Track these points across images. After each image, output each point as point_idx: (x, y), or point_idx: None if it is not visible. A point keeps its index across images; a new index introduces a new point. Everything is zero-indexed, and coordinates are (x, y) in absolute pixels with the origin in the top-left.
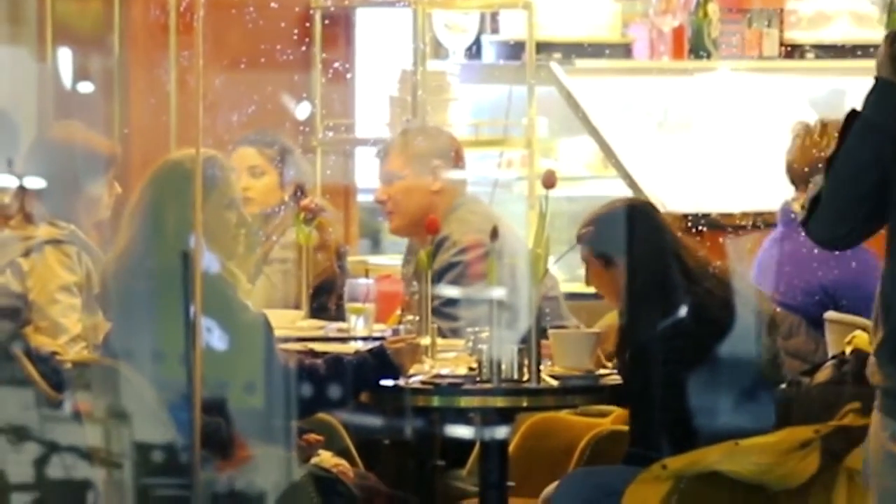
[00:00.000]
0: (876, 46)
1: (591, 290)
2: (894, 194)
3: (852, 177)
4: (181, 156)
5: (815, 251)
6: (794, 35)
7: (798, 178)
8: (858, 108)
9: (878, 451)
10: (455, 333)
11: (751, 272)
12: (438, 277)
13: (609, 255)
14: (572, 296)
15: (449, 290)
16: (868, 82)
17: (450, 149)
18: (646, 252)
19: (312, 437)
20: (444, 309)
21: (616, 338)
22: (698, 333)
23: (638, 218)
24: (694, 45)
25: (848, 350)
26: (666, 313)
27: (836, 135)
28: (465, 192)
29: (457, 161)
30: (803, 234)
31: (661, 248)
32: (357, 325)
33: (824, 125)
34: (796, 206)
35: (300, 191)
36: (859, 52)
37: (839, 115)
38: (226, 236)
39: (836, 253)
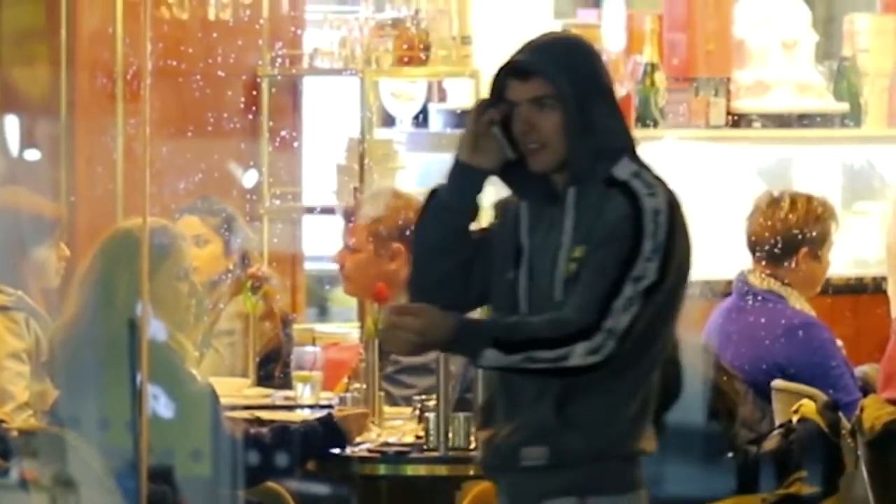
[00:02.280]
0: (822, 116)
1: None
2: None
3: (427, 256)
4: (132, 224)
5: (765, 323)
6: (741, 104)
7: (759, 249)
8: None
9: None
10: (406, 401)
11: (700, 340)
12: None
13: None
14: None
15: (404, 358)
16: (814, 152)
17: (408, 213)
18: None
19: None
20: (395, 376)
21: None
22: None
23: None
24: (641, 114)
25: (795, 419)
26: None
27: (804, 207)
28: None
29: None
30: (757, 304)
31: None
32: (304, 393)
33: (791, 198)
34: (752, 278)
35: (246, 259)
36: (805, 122)
37: (787, 185)
38: (178, 306)
39: (787, 326)
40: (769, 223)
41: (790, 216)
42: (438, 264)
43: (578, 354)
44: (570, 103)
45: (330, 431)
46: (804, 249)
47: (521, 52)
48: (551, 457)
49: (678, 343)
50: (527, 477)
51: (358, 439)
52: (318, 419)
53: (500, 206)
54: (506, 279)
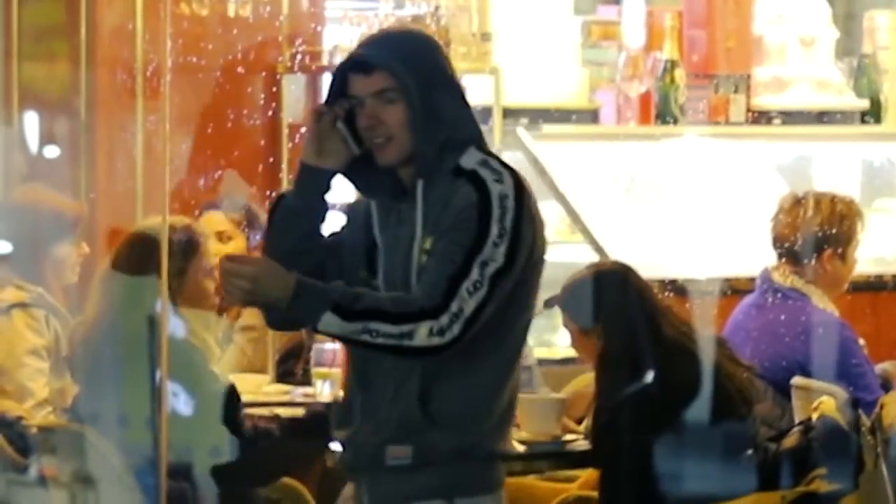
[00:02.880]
0: (842, 112)
1: (558, 356)
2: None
3: (282, 261)
4: (155, 222)
5: (786, 320)
6: (761, 101)
7: (783, 248)
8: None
9: None
10: None
11: (721, 337)
12: None
13: (585, 321)
14: (540, 362)
15: None
16: (834, 148)
17: None
18: (620, 319)
19: None
20: None
21: (591, 403)
22: (667, 399)
23: (614, 284)
24: (661, 111)
25: (815, 416)
26: (636, 379)
27: (828, 208)
28: None
29: None
30: (778, 302)
31: (636, 316)
32: (323, 389)
33: (816, 197)
34: (776, 275)
35: None
36: (825, 119)
37: (807, 182)
38: (205, 304)
39: (808, 325)
40: (793, 223)
41: (814, 216)
42: (292, 269)
43: (423, 335)
44: (413, 95)
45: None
46: (828, 249)
47: (362, 46)
48: (417, 456)
49: (696, 339)
50: (392, 477)
51: None
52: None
53: (350, 208)
54: (359, 279)
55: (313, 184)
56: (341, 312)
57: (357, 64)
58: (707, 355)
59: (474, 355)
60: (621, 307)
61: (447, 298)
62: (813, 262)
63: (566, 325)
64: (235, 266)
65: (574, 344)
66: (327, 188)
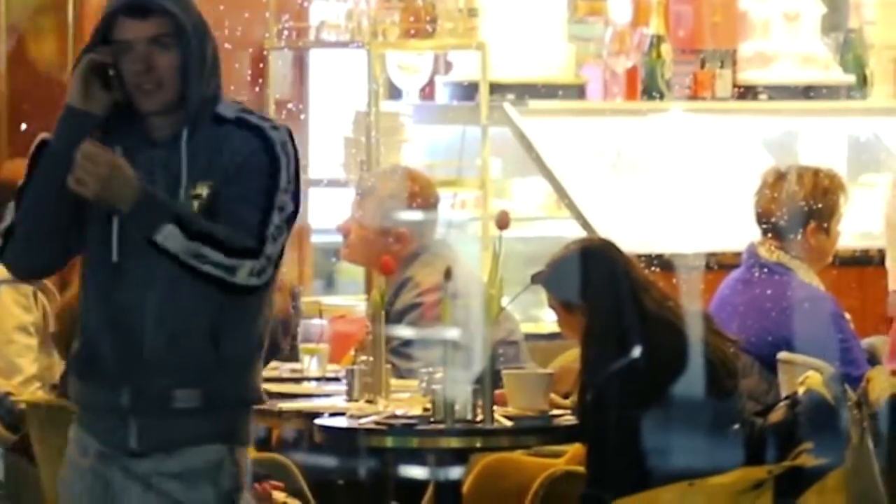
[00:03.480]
0: (828, 87)
1: (545, 330)
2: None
3: (36, 208)
4: None
5: (772, 295)
6: (747, 76)
7: (767, 223)
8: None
9: None
10: (412, 374)
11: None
12: (399, 318)
13: (569, 298)
14: (527, 337)
15: (405, 331)
16: (821, 123)
17: (423, 196)
18: (602, 295)
19: (270, 484)
20: (402, 349)
21: (577, 379)
22: (655, 375)
23: (595, 260)
24: (647, 86)
25: (801, 390)
26: (624, 355)
27: (811, 181)
28: (432, 235)
29: (428, 206)
30: (763, 276)
31: (618, 290)
32: (311, 365)
33: (799, 172)
34: (761, 250)
35: None
36: (811, 94)
37: (793, 157)
38: None
39: (794, 299)
40: (776, 197)
41: (797, 190)
42: (51, 216)
43: (244, 273)
44: (191, 42)
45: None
46: (812, 223)
47: None
48: (204, 399)
49: (680, 314)
50: (173, 421)
51: (366, 411)
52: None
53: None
54: (100, 227)
55: (76, 128)
56: (183, 227)
57: (133, 8)
58: (692, 330)
59: (254, 301)
60: (605, 283)
61: (261, 242)
62: (798, 236)
63: (550, 305)
64: (97, 151)
65: (559, 322)
66: (87, 134)
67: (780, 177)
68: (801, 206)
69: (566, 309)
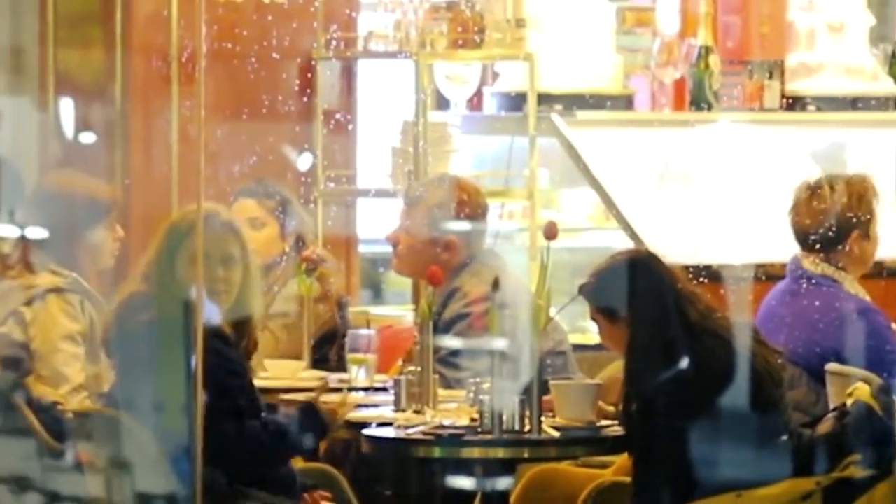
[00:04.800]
0: (877, 99)
1: (592, 341)
2: None
3: None
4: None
5: (820, 307)
6: (796, 87)
7: (808, 239)
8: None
9: None
10: (459, 384)
11: (753, 323)
12: (447, 328)
13: (612, 310)
14: (574, 347)
15: (453, 341)
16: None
17: (471, 205)
18: (647, 306)
19: (319, 494)
20: (450, 359)
21: (622, 390)
22: (700, 386)
23: (639, 271)
24: (695, 97)
25: (849, 402)
26: (669, 367)
27: (845, 191)
28: (480, 245)
29: (477, 216)
30: (810, 288)
31: (663, 302)
32: (358, 375)
33: (830, 182)
34: (806, 263)
35: (301, 242)
36: (860, 105)
37: (841, 168)
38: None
39: (842, 310)
40: (814, 212)
41: (834, 202)
42: None
43: None
44: None
45: (309, 419)
46: (855, 232)
47: None
48: None
49: (724, 324)
50: None
51: (414, 421)
52: (300, 406)
53: None
54: None
55: None
56: None
57: None
58: (737, 340)
59: None
60: (649, 294)
61: None
62: (842, 247)
63: (593, 317)
64: None
65: (602, 335)
66: None
67: (812, 190)
68: (841, 217)
69: (609, 320)
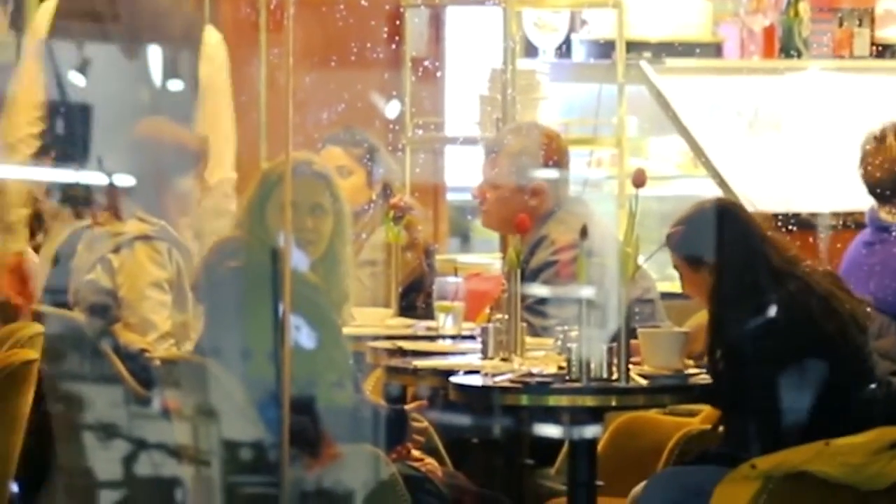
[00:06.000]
0: None
1: (681, 289)
2: None
3: None
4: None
5: None
6: (886, 34)
7: (881, 191)
8: None
9: None
10: (547, 332)
11: (833, 270)
12: (534, 276)
13: (696, 258)
14: (662, 295)
15: (541, 289)
16: None
17: (555, 152)
18: (732, 253)
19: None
20: (537, 307)
21: (706, 338)
22: (787, 333)
23: (721, 219)
24: (784, 45)
25: None
26: (755, 314)
27: None
28: (566, 193)
29: (561, 163)
30: (892, 238)
31: (748, 249)
32: (446, 323)
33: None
34: (883, 213)
35: (388, 189)
36: None
37: None
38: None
39: None
40: (883, 163)
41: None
42: None
43: None
44: None
45: (398, 423)
46: None
47: None
48: None
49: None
50: None
51: (501, 369)
52: (392, 409)
53: None
54: None
55: None
56: None
57: None
58: (821, 287)
59: None
60: (731, 241)
61: None
62: None
63: (675, 266)
64: None
65: (683, 281)
66: None
67: (879, 141)
68: None
69: (692, 268)
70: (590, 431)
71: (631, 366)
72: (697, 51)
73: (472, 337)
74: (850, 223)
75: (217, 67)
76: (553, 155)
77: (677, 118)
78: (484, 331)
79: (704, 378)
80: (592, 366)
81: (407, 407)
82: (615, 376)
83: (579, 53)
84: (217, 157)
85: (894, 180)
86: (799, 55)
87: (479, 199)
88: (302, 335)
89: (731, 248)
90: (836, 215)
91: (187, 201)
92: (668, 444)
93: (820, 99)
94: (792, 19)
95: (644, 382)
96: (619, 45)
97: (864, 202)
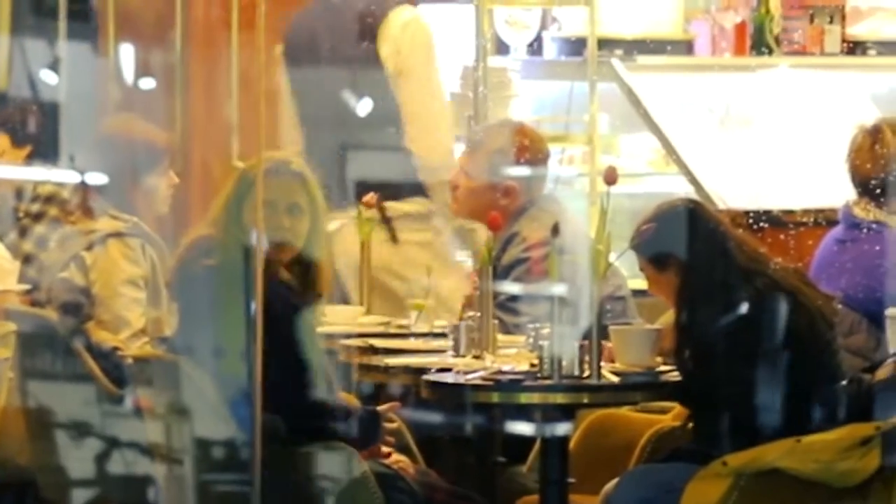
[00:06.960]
0: None
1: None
2: None
3: None
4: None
5: (880, 251)
6: (856, 31)
7: (866, 184)
8: None
9: None
10: (518, 329)
11: (803, 267)
12: (506, 273)
13: (662, 259)
14: (634, 293)
15: (512, 287)
16: None
17: (534, 151)
18: (698, 252)
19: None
20: (509, 304)
21: (674, 337)
22: (756, 331)
23: (687, 219)
24: (756, 42)
25: None
26: (722, 312)
27: None
28: (540, 190)
29: (539, 162)
30: (867, 234)
31: (714, 247)
32: (418, 321)
33: (892, 128)
34: (857, 210)
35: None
36: None
37: None
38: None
39: None
40: (872, 157)
41: (886, 144)
42: None
43: None
44: None
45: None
46: None
47: None
48: None
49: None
50: None
51: (473, 366)
52: (365, 409)
53: None
54: None
55: None
56: None
57: None
58: (786, 283)
59: None
60: (695, 240)
61: None
62: None
63: (641, 269)
64: None
65: (650, 285)
66: None
67: (869, 135)
68: None
69: (658, 269)
70: (561, 429)
71: (603, 363)
72: (669, 48)
73: (443, 334)
74: (821, 220)
75: (411, 48)
76: (529, 153)
77: (648, 115)
78: (456, 328)
79: (676, 375)
80: (564, 363)
81: (380, 408)
82: (587, 373)
83: (551, 51)
84: (426, 133)
85: (886, 175)
86: (770, 52)
87: (451, 188)
88: (274, 334)
89: (696, 248)
90: (807, 212)
91: (155, 199)
92: (639, 441)
93: (791, 96)
94: (763, 16)
95: (615, 380)
96: (591, 43)
97: (835, 199)
